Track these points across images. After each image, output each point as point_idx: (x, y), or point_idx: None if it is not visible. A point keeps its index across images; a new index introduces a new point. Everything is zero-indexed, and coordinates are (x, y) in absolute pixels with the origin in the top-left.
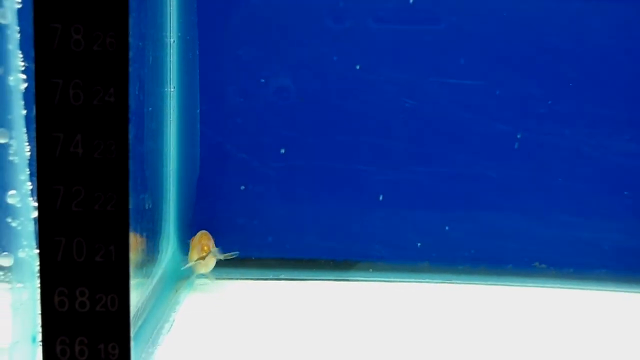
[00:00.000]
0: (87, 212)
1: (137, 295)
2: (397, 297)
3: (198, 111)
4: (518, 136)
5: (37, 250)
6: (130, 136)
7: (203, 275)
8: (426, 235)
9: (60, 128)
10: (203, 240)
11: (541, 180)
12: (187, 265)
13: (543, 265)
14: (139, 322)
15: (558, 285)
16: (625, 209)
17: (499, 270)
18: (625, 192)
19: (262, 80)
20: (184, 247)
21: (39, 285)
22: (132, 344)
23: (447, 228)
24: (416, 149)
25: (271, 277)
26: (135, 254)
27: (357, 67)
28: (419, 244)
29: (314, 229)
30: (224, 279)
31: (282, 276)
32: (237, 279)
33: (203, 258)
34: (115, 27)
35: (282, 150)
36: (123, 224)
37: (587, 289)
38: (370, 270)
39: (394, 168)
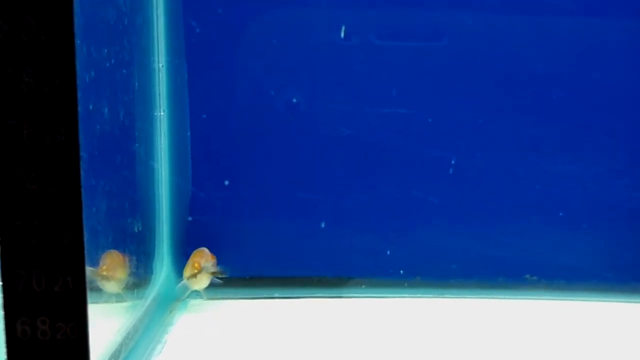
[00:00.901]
0: (44, 245)
1: (129, 316)
2: (390, 312)
3: (189, 134)
4: (452, 162)
5: (0, 282)
6: (116, 162)
7: (197, 293)
8: (415, 251)
9: (16, 167)
10: (195, 258)
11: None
12: (181, 283)
13: (534, 277)
14: (131, 344)
15: (549, 297)
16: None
17: (490, 283)
18: (560, 213)
19: (253, 101)
20: (179, 268)
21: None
22: None
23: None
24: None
25: (265, 295)
26: (122, 273)
27: (294, 100)
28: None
29: (307, 247)
30: (218, 298)
31: (276, 295)
32: (231, 298)
33: (194, 275)
34: (63, 70)
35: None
36: (78, 256)
37: (578, 300)
38: (363, 286)
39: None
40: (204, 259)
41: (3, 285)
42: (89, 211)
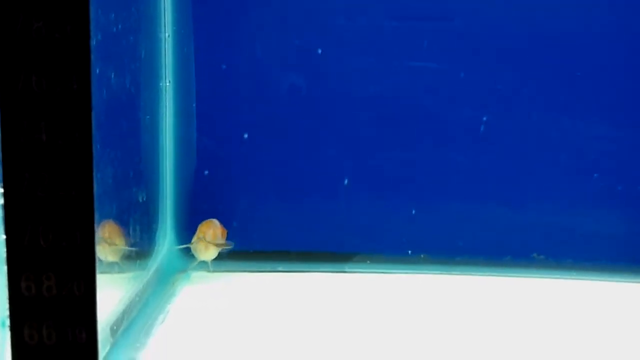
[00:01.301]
0: (52, 198)
1: (131, 287)
2: (394, 288)
3: (194, 105)
4: (484, 119)
5: (4, 236)
6: (122, 129)
7: (202, 265)
8: (421, 227)
9: (25, 115)
10: (203, 228)
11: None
12: (179, 247)
13: (542, 256)
14: (133, 313)
15: (557, 276)
16: (608, 196)
17: (497, 262)
18: (595, 175)
19: (260, 74)
20: (182, 239)
21: (6, 270)
22: (125, 334)
23: (413, 212)
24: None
25: (269, 269)
26: (120, 242)
27: (286, 65)
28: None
29: (312, 221)
30: (221, 271)
31: (280, 268)
32: (234, 271)
33: (201, 244)
34: (75, 16)
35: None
36: (88, 209)
37: (586, 280)
38: (368, 262)
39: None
40: (211, 230)
41: (7, 240)
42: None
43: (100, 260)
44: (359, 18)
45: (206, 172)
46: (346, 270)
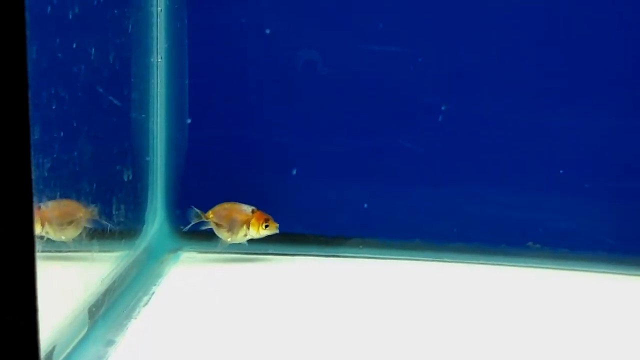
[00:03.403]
0: None
1: (116, 267)
2: (387, 273)
3: (187, 82)
4: (442, 108)
5: None
6: (104, 105)
7: (190, 246)
8: (417, 212)
9: None
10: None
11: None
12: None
13: (537, 245)
14: (116, 293)
15: (552, 266)
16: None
17: (491, 249)
18: (561, 171)
19: (253, 50)
20: (172, 219)
21: None
22: (105, 315)
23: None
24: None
25: (260, 251)
26: (77, 227)
27: (279, 42)
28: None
29: (305, 203)
30: (211, 252)
31: (271, 251)
32: (224, 252)
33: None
34: None
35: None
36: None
37: (581, 270)
38: (361, 246)
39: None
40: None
41: None
42: (69, 154)
43: (52, 240)
44: (319, 4)
45: (198, 151)
46: (339, 254)
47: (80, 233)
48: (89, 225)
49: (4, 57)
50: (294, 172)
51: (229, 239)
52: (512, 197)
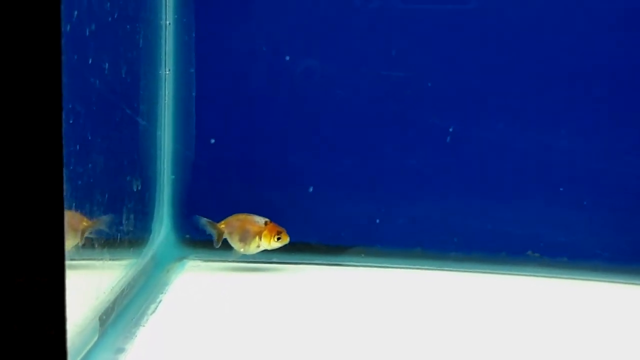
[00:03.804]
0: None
1: (124, 275)
2: (389, 282)
3: (194, 94)
4: (450, 129)
5: None
6: (116, 118)
7: (196, 255)
8: (419, 221)
9: None
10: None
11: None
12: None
13: (537, 254)
14: (125, 302)
15: (552, 274)
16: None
17: (491, 258)
18: (561, 189)
19: (260, 63)
20: (178, 229)
21: None
22: (115, 323)
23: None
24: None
25: (263, 260)
26: (75, 236)
27: (287, 58)
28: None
29: (308, 213)
30: (216, 261)
31: (274, 259)
32: (229, 261)
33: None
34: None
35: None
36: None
37: (580, 279)
38: (363, 255)
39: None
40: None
41: None
42: (84, 166)
43: None
44: (329, 25)
45: (204, 162)
46: (342, 263)
47: (85, 243)
48: (92, 236)
49: (43, 73)
50: (310, 189)
51: (241, 250)
52: (513, 212)
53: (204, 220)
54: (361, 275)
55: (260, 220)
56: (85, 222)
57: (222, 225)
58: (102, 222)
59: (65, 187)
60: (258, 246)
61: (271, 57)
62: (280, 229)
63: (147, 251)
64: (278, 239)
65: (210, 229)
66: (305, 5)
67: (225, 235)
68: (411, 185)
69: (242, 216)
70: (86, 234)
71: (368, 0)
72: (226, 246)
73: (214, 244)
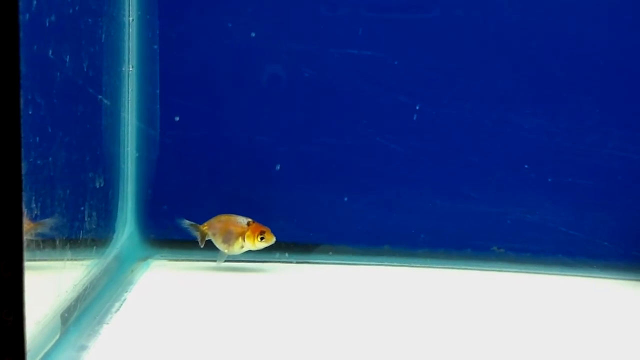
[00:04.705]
0: None
1: (87, 274)
2: (357, 279)
3: (158, 91)
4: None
5: None
6: (78, 112)
7: (161, 254)
8: (384, 219)
9: None
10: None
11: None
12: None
13: (501, 250)
14: (88, 300)
15: (516, 270)
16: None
17: (457, 254)
18: (526, 166)
19: (224, 60)
20: (143, 228)
21: None
22: (78, 321)
23: (345, 199)
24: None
25: (230, 259)
26: None
27: (253, 34)
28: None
29: (274, 210)
30: (182, 260)
31: (242, 259)
32: (195, 260)
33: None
34: None
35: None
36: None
37: (544, 274)
38: (330, 253)
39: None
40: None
41: None
42: (44, 159)
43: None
44: (296, 6)
45: (169, 160)
46: (309, 260)
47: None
48: (33, 238)
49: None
50: (277, 167)
51: (226, 251)
52: (477, 204)
53: (186, 223)
54: (329, 273)
55: (243, 220)
56: (26, 225)
57: (205, 227)
58: (45, 225)
59: (24, 180)
60: (242, 247)
61: (236, 51)
62: (264, 228)
63: (111, 250)
64: (262, 238)
65: (193, 231)
66: None
67: (209, 237)
68: (379, 169)
69: (224, 217)
70: (26, 237)
71: None
72: (193, 245)
73: (199, 244)
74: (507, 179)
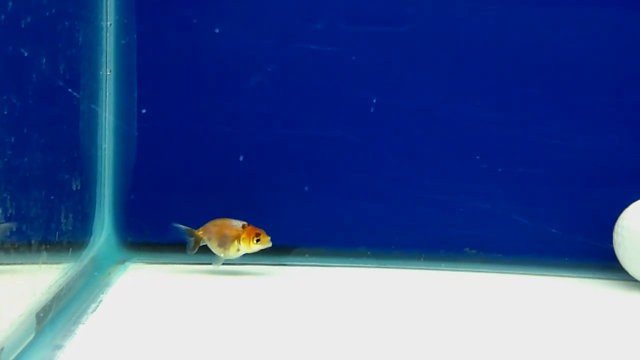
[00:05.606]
0: None
1: (63, 276)
2: (334, 281)
3: (135, 95)
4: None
5: None
6: (55, 114)
7: (138, 257)
8: (362, 220)
9: None
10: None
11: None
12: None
13: (473, 251)
14: (63, 301)
15: (487, 270)
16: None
17: (431, 255)
18: (477, 157)
19: (201, 63)
20: (120, 231)
21: None
22: (53, 321)
23: (306, 188)
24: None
25: (208, 261)
26: None
27: (217, 30)
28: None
29: (252, 213)
30: (158, 263)
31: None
32: (172, 263)
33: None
34: None
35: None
36: None
37: (515, 274)
38: (307, 255)
39: None
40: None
41: None
42: (20, 160)
43: None
44: (260, 3)
45: (146, 162)
46: (286, 263)
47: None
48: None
49: None
50: (241, 158)
51: (222, 255)
52: (451, 206)
53: (182, 228)
54: (306, 275)
55: (238, 223)
56: None
57: (200, 232)
58: (6, 228)
59: None
60: (238, 250)
61: (211, 56)
62: (258, 230)
63: (88, 253)
64: (257, 240)
65: (188, 236)
66: None
67: (205, 242)
68: (342, 159)
69: (219, 221)
70: None
71: None
72: (170, 249)
73: (188, 250)
74: (459, 168)
